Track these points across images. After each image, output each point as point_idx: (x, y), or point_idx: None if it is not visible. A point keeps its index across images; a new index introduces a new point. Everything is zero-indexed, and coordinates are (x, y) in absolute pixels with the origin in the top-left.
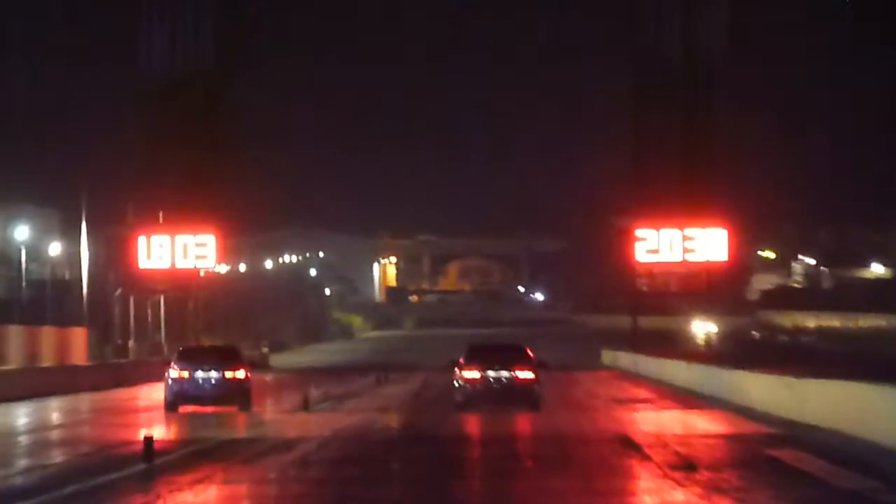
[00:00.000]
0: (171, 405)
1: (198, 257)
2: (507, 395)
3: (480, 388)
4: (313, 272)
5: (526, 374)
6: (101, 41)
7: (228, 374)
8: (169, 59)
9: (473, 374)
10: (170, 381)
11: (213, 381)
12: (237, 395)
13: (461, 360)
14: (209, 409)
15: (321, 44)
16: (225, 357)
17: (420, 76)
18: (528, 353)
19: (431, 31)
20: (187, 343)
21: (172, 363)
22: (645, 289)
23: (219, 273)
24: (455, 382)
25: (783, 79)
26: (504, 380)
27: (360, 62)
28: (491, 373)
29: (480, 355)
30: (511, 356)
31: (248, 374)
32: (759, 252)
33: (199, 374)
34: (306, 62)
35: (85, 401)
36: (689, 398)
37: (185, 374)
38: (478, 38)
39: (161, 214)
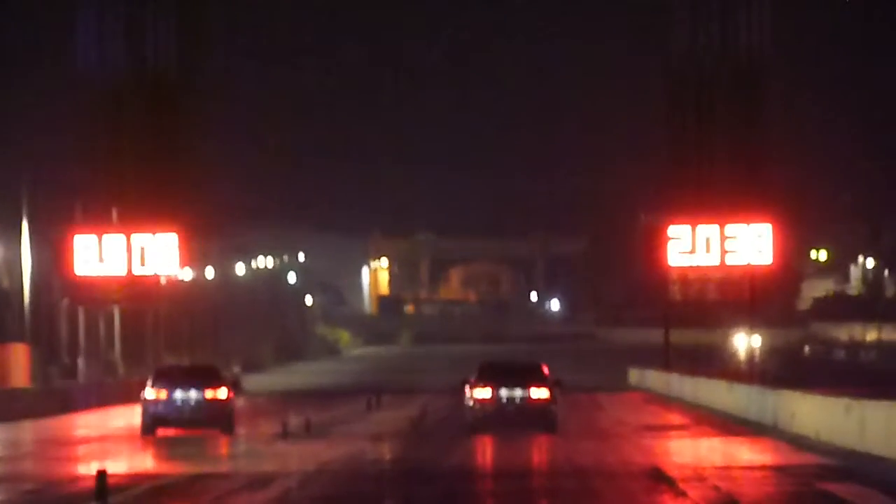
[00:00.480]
0: (148, 428)
1: (158, 262)
2: (521, 416)
3: (492, 409)
4: (293, 279)
5: (541, 394)
6: (51, 32)
7: (209, 395)
8: (128, 47)
9: (485, 394)
10: (146, 403)
11: (192, 403)
12: (218, 416)
13: (472, 380)
14: (189, 432)
15: (304, 22)
16: (205, 376)
17: (423, 62)
18: (543, 372)
19: (434, 18)
20: (161, 362)
21: (149, 383)
22: (678, 297)
23: (183, 280)
24: (466, 403)
25: (842, 62)
26: (518, 400)
27: (352, 44)
28: (504, 393)
29: (493, 374)
30: (525, 375)
31: (231, 395)
32: (812, 254)
33: (178, 394)
34: (286, 45)
35: (27, 429)
36: (730, 424)
37: (163, 394)
38: (490, 25)
39: (115, 213)
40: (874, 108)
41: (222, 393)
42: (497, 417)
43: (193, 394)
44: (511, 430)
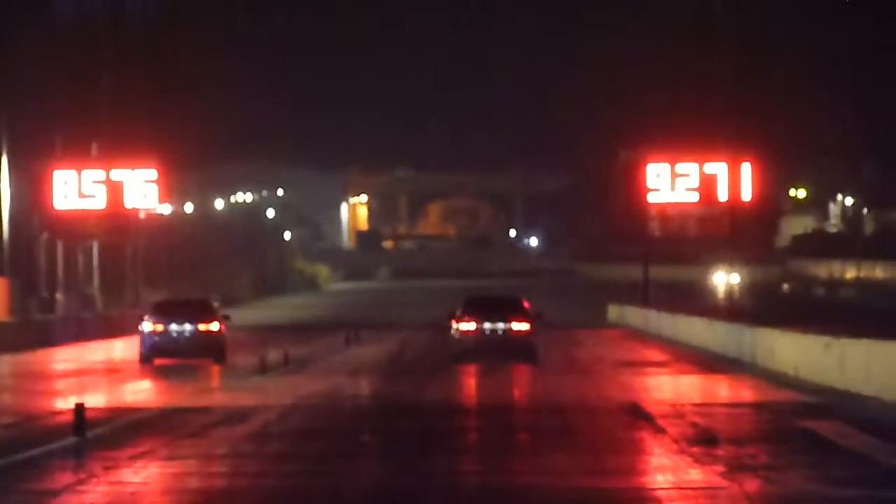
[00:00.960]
0: (146, 358)
1: (137, 197)
2: (504, 347)
3: (477, 341)
4: (272, 213)
5: (522, 327)
6: None
7: (202, 327)
8: None
9: (470, 326)
10: (144, 335)
11: (187, 334)
12: (211, 347)
13: (458, 313)
14: (184, 361)
15: None
16: (199, 310)
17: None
18: (524, 305)
19: None
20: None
21: (146, 317)
22: (658, 234)
23: (162, 215)
24: (452, 335)
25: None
26: (500, 332)
27: None
28: (487, 325)
29: (477, 307)
30: (508, 308)
31: (223, 327)
32: (791, 191)
33: (174, 327)
34: None
35: (6, 363)
36: (709, 361)
37: (160, 327)
38: None
39: (95, 147)
40: (857, 48)
41: (215, 326)
42: (481, 348)
43: (188, 326)
44: (492, 364)
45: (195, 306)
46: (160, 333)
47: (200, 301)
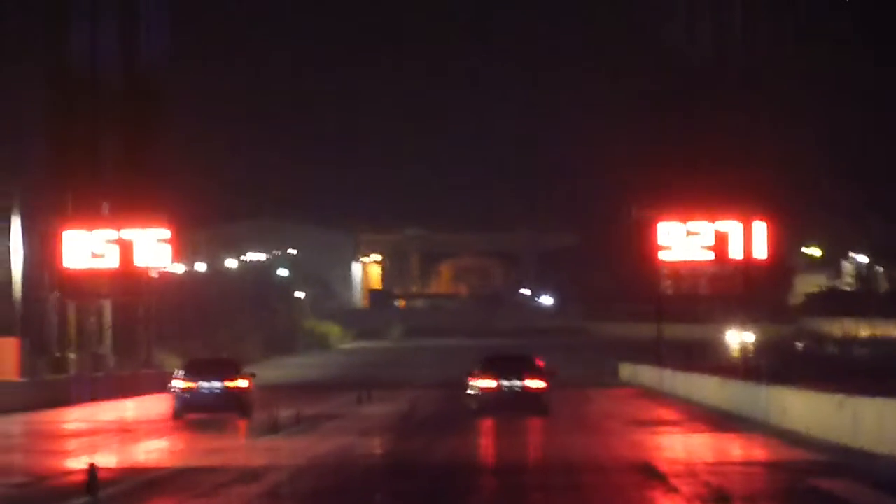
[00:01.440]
0: (179, 413)
1: (149, 257)
2: (519, 401)
3: (495, 396)
4: (283, 273)
5: (537, 383)
6: (46, 26)
7: (230, 385)
8: (120, 42)
9: (489, 383)
10: (176, 392)
11: (216, 392)
12: (238, 403)
13: (477, 371)
14: (214, 416)
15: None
16: (227, 368)
17: (410, 49)
18: (538, 364)
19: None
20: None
21: (178, 374)
22: (670, 292)
23: (174, 274)
24: (471, 391)
25: (831, 53)
26: (517, 389)
27: (338, 31)
28: (504, 382)
29: (495, 365)
30: (523, 366)
31: (250, 384)
32: (804, 249)
33: (203, 384)
34: (273, 35)
35: (18, 423)
36: (722, 420)
37: (192, 384)
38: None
39: (106, 206)
40: (867, 105)
41: (242, 383)
42: (499, 403)
43: (216, 384)
44: (506, 421)
45: (224, 365)
46: (191, 391)
47: (228, 360)
